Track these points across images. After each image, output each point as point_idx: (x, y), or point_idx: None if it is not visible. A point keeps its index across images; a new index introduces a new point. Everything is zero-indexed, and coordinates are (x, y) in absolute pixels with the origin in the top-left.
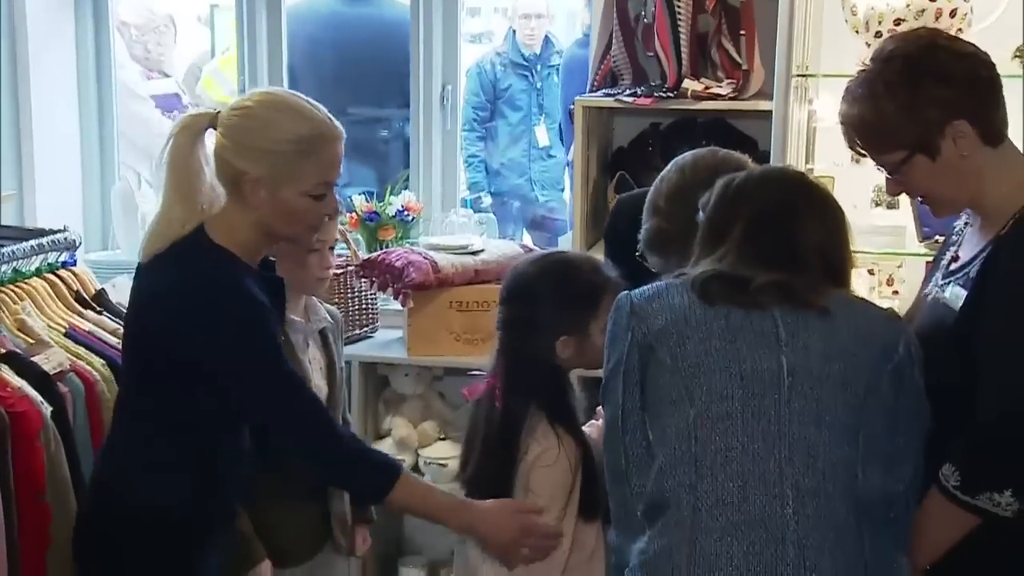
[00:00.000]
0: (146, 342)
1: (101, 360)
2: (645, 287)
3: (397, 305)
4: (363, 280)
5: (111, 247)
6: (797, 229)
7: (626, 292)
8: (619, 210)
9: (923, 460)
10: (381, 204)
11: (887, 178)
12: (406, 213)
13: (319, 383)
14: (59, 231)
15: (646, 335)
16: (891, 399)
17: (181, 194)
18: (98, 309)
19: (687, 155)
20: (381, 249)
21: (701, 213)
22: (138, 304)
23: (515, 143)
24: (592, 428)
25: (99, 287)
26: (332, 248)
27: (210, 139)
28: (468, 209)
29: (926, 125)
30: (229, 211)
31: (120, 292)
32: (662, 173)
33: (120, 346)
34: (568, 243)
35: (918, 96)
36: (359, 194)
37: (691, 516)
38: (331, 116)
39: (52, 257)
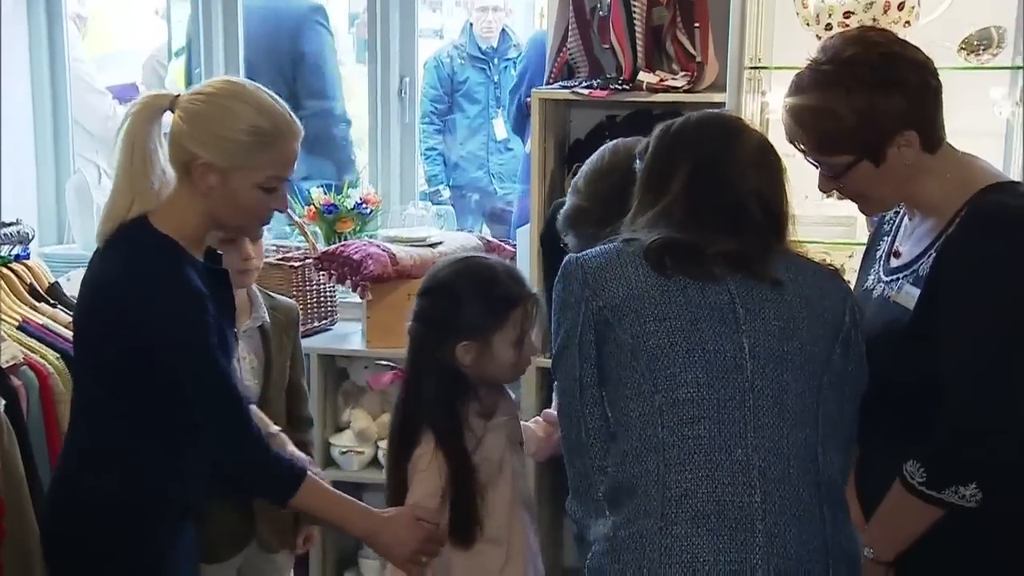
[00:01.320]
0: (93, 335)
1: (55, 353)
2: (594, 251)
3: (356, 297)
4: (321, 273)
5: (66, 240)
6: (737, 175)
7: (575, 256)
8: (555, 213)
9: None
10: (339, 197)
11: (821, 175)
12: (364, 206)
13: (249, 382)
14: (12, 224)
15: (602, 309)
16: (841, 368)
17: (132, 174)
18: (52, 302)
19: (611, 142)
20: (339, 242)
21: (639, 161)
22: (83, 297)
23: (473, 136)
24: (537, 426)
25: (53, 280)
26: (256, 239)
27: (167, 121)
28: (426, 202)
29: (878, 133)
30: (177, 197)
31: (75, 286)
32: (588, 159)
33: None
34: (526, 235)
35: (876, 105)
36: (317, 187)
37: (660, 506)
38: (291, 113)
39: (5, 250)
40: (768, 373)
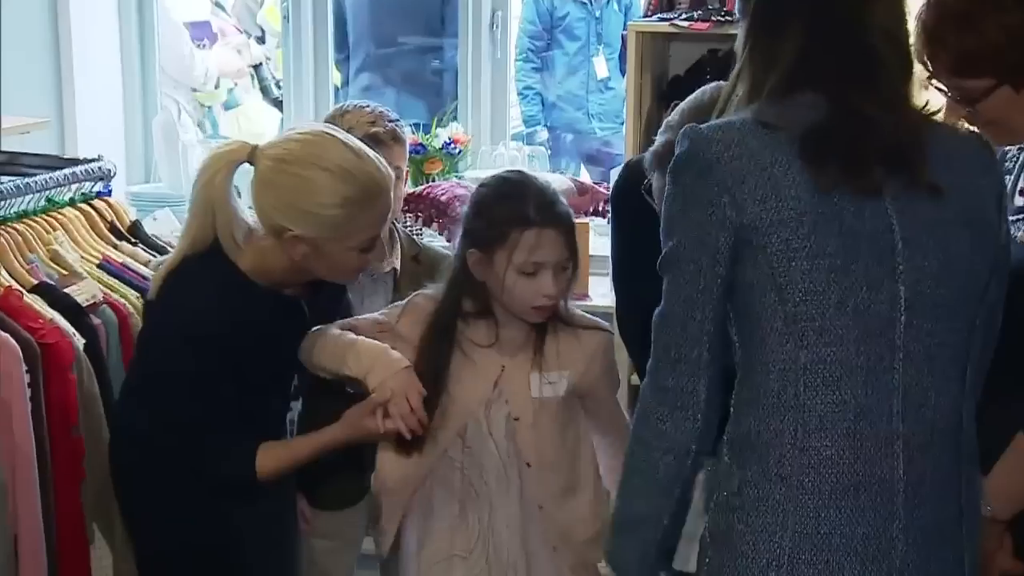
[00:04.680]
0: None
1: (135, 292)
2: (727, 138)
3: (443, 240)
4: (408, 214)
5: (153, 179)
6: (861, 12)
7: (701, 134)
8: (626, 173)
9: None
10: (428, 136)
11: (949, 103)
12: (453, 145)
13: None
14: (93, 160)
15: (743, 228)
16: (995, 296)
17: (202, 226)
18: (133, 240)
19: (715, 82)
20: (427, 183)
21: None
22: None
23: (572, 74)
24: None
25: (134, 218)
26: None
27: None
28: (519, 142)
29: None
30: (265, 248)
31: (162, 225)
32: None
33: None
34: None
35: None
36: (407, 126)
37: (797, 472)
38: (379, 161)
39: (86, 187)
40: (921, 327)
